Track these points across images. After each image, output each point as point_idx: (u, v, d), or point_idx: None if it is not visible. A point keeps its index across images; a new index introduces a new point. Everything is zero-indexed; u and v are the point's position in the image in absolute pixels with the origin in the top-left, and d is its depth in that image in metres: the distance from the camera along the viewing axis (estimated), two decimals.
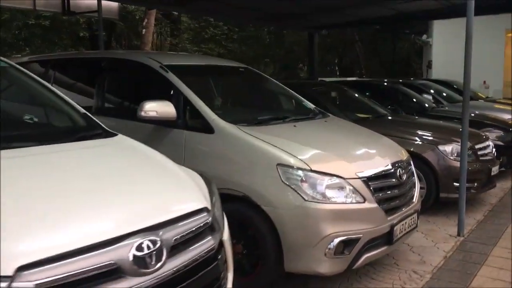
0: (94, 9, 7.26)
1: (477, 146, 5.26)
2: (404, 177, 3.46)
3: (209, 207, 2.07)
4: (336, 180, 3.03)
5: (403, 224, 3.37)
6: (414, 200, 3.63)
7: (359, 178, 3.10)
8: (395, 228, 3.24)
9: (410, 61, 21.53)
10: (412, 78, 13.11)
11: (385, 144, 3.87)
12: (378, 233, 3.12)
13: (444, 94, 10.00)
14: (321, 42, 21.98)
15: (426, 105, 7.94)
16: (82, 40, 12.89)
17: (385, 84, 8.83)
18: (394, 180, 3.35)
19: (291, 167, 3.00)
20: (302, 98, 4.56)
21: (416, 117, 6.67)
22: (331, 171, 3.04)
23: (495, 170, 5.39)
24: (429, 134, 5.32)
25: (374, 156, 3.52)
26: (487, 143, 5.48)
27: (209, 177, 2.42)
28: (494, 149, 5.57)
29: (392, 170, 3.38)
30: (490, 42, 13.96)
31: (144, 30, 9.95)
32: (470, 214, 5.21)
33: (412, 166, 3.83)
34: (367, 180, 3.14)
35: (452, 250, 4.11)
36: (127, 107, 4.15)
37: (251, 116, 3.68)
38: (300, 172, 2.98)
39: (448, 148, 5.08)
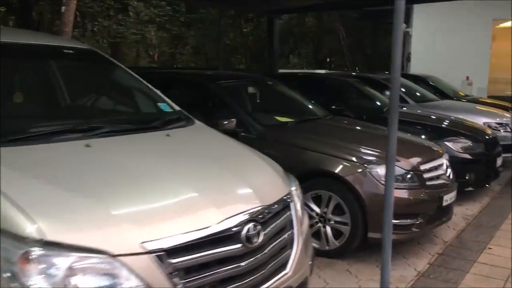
0: None
1: (422, 167, 3.85)
2: (260, 238, 2.04)
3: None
4: (94, 260, 1.62)
5: None
6: (286, 270, 2.23)
7: (146, 252, 1.69)
8: None
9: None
10: (387, 72, 11.73)
11: (248, 179, 2.39)
12: None
13: (417, 92, 8.59)
14: (298, 30, 20.56)
15: (384, 105, 6.50)
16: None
17: (338, 79, 7.38)
18: (231, 247, 1.93)
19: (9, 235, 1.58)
20: (163, 97, 3.13)
21: (361, 121, 5.25)
22: (87, 241, 1.62)
23: (449, 198, 3.98)
24: (362, 148, 3.91)
25: (199, 206, 2.04)
26: (439, 161, 4.06)
27: None
28: (449, 169, 4.16)
29: (234, 230, 1.96)
30: (476, 33, 12.54)
31: (63, 8, 8.43)
32: (412, 259, 3.83)
33: (294, 210, 2.41)
34: (166, 255, 1.73)
35: None
36: None
37: (21, 125, 2.24)
38: (23, 246, 1.57)
39: (381, 170, 3.67)
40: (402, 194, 3.66)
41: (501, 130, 7.14)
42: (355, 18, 17.59)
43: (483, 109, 7.93)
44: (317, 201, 3.82)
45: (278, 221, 2.24)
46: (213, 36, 15.24)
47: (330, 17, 18.74)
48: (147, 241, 1.71)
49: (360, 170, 3.67)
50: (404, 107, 7.02)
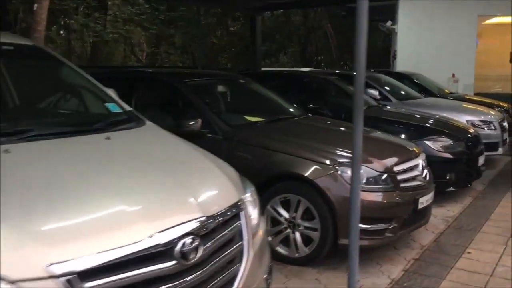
0: None
1: (397, 168, 3.64)
2: (199, 253, 1.82)
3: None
4: None
5: None
6: (234, 287, 2.01)
7: (52, 276, 1.46)
8: None
9: (384, 52, 19.86)
10: (372, 70, 11.57)
11: (191, 187, 2.11)
12: None
13: (401, 90, 8.41)
14: (285, 28, 20.23)
15: (364, 103, 6.30)
16: None
17: (318, 77, 7.17)
18: (162, 266, 1.71)
19: None
20: (112, 97, 2.90)
21: (338, 121, 5.04)
22: None
23: (425, 200, 3.78)
24: (334, 150, 3.70)
25: (126, 220, 1.78)
26: (414, 161, 3.86)
27: None
28: (425, 170, 3.96)
29: (166, 245, 1.73)
30: (461, 30, 12.40)
31: (35, 6, 8.12)
32: (386, 266, 3.63)
33: (245, 219, 2.19)
34: (79, 278, 1.50)
35: None
36: None
37: None
38: None
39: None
40: (375, 197, 3.46)
41: (485, 128, 6.99)
42: (342, 16, 17.39)
43: (467, 106, 7.78)
44: (286, 205, 3.60)
45: (223, 233, 2.02)
46: (198, 35, 14.97)
47: (317, 15, 18.53)
48: (55, 263, 1.48)
49: (330, 172, 3.46)
50: (386, 105, 6.85)
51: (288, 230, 3.60)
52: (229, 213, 2.10)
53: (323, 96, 6.41)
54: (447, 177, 5.15)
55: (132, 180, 1.97)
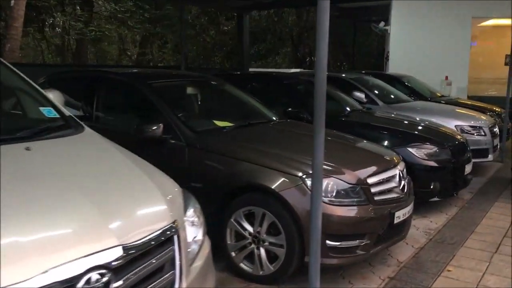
0: None
1: (371, 180, 3.36)
2: None
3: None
4: None
5: None
6: None
7: None
8: None
9: (380, 53, 19.57)
10: (363, 72, 11.31)
11: (109, 208, 1.79)
12: None
13: (389, 93, 8.15)
14: (278, 28, 19.88)
15: (347, 107, 6.03)
16: None
17: (301, 78, 6.89)
18: None
19: None
20: (50, 100, 2.61)
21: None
22: None
23: (402, 214, 3.50)
24: (305, 159, 3.40)
25: (15, 254, 1.42)
26: (391, 172, 3.58)
27: None
28: (403, 181, 3.68)
29: (63, 283, 1.45)
30: (455, 31, 12.14)
31: (13, 2, 7.83)
32: (358, 285, 3.35)
33: (178, 244, 1.91)
34: None
35: None
36: None
37: None
38: None
39: (323, 184, 3.18)
40: (345, 211, 3.18)
41: (474, 134, 6.72)
42: (335, 16, 17.11)
43: (457, 111, 7.50)
44: (252, 218, 3.33)
45: (148, 263, 1.74)
46: (186, 34, 14.66)
47: (311, 15, 18.24)
48: None
49: (298, 184, 3.18)
50: (372, 109, 6.58)
51: (253, 245, 3.32)
52: (158, 238, 1.82)
53: (305, 99, 6.12)
54: (431, 187, 4.87)
55: (37, 204, 1.68)
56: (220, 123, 4.05)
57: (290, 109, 5.31)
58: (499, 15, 11.70)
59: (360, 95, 7.08)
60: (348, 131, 4.56)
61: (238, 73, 7.82)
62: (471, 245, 4.14)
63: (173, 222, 1.93)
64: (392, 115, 6.20)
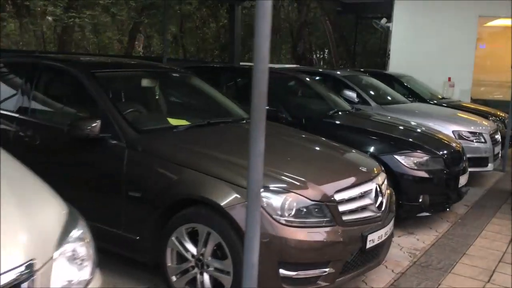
0: None
1: (339, 196, 2.81)
2: None
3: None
4: None
5: None
6: None
7: None
8: None
9: (384, 51, 18.89)
10: (362, 70, 10.73)
11: None
12: None
13: (386, 94, 7.58)
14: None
15: (334, 107, 5.47)
16: None
17: (286, 74, 6.31)
18: None
19: None
20: None
21: (292, 128, 4.22)
22: None
23: (377, 237, 2.95)
24: (264, 168, 2.85)
25: None
26: (366, 186, 3.01)
27: None
28: (380, 197, 3.12)
29: None
30: (460, 31, 11.51)
31: None
32: None
33: None
34: None
35: None
36: None
37: None
38: None
39: (279, 201, 2.63)
40: (305, 235, 2.63)
41: (474, 141, 6.15)
42: (337, 12, 16.48)
43: (456, 115, 6.92)
44: (196, 237, 2.79)
45: None
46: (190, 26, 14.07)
47: (310, 9, 17.60)
48: None
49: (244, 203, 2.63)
50: (362, 109, 6.01)
51: (196, 269, 2.79)
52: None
53: (286, 96, 5.57)
54: (420, 200, 4.32)
55: None
56: (174, 122, 3.50)
57: (267, 107, 4.75)
58: (507, 14, 11.06)
59: (351, 94, 6.52)
60: (328, 134, 4.01)
61: (215, 65, 7.25)
62: (461, 271, 3.59)
63: (29, 263, 1.39)
64: (383, 117, 5.63)
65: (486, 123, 6.73)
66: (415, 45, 11.87)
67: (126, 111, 3.34)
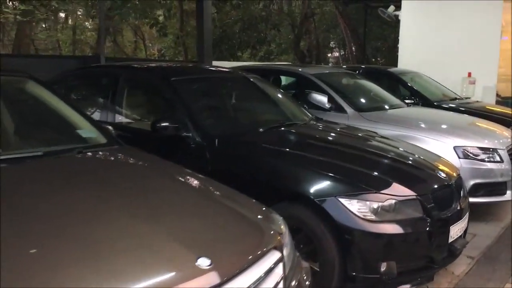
0: None
1: None
2: None
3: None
4: None
5: None
6: None
7: None
8: None
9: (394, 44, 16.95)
10: (363, 66, 9.12)
11: None
12: None
13: (377, 96, 5.93)
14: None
15: (278, 119, 3.89)
16: None
17: (236, 74, 4.75)
18: None
19: None
20: None
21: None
22: None
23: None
24: None
25: None
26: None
27: None
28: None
29: None
30: (482, 18, 9.66)
31: None
32: None
33: None
34: None
35: None
36: None
37: None
38: None
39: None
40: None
41: (485, 160, 4.44)
42: (344, 2, 14.76)
43: (463, 123, 5.20)
44: None
45: None
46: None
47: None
48: None
49: None
50: (322, 118, 4.41)
51: None
52: None
53: (208, 107, 4.01)
54: (382, 269, 2.70)
55: None
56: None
57: (166, 123, 3.23)
58: None
59: (321, 98, 4.96)
60: (239, 161, 2.49)
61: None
62: None
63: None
64: (350, 131, 4.02)
65: (506, 134, 5.00)
66: (427, 35, 10.11)
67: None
